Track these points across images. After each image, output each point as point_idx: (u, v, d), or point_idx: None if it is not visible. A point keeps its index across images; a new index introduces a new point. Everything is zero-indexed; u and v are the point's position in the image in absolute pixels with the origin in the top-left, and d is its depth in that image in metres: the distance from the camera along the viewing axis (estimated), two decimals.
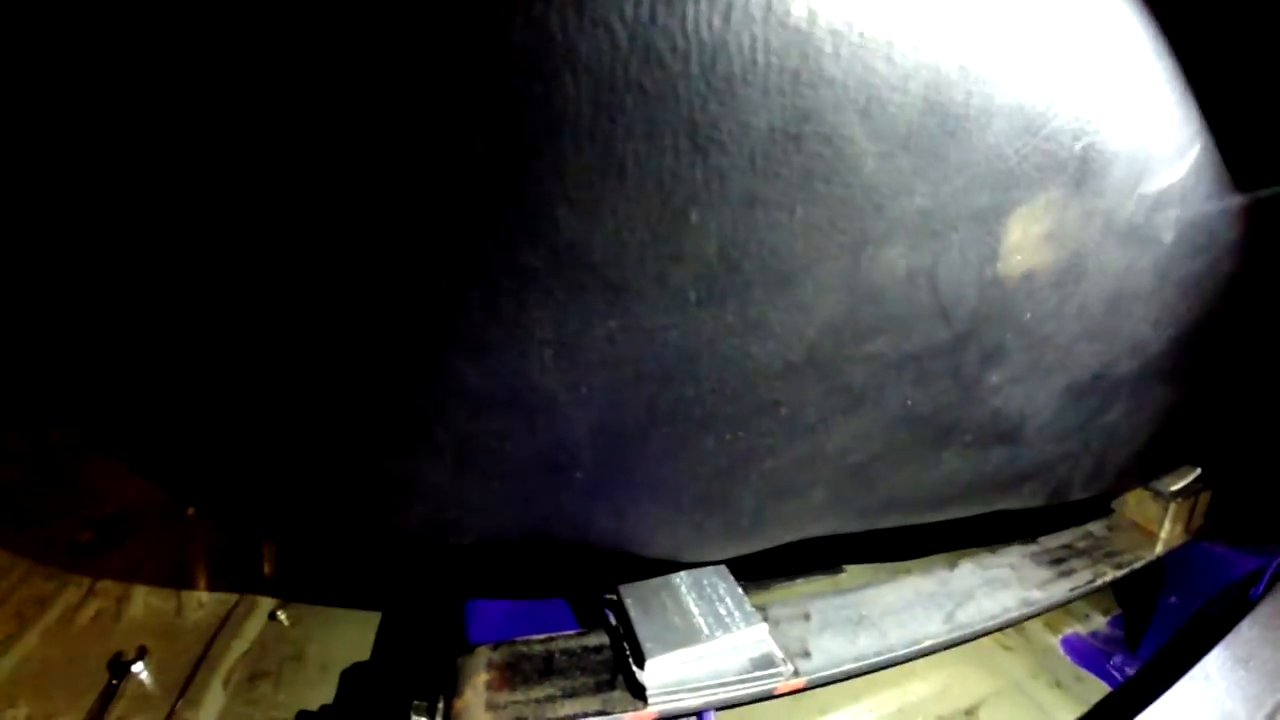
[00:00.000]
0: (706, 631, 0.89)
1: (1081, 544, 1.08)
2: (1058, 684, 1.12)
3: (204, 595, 1.13)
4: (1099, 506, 1.19)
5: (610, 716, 0.84)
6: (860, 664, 0.92)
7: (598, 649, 0.92)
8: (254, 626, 1.10)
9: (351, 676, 1.00)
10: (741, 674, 0.88)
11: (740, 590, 0.94)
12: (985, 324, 0.70)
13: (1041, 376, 0.81)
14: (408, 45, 0.46)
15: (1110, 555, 1.07)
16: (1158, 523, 1.09)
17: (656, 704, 0.85)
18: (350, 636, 1.10)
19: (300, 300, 0.58)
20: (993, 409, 0.80)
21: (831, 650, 0.94)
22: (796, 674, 0.90)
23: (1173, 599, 1.11)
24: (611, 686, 0.87)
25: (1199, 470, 1.11)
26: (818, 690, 1.12)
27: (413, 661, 1.02)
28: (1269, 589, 0.97)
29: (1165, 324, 0.88)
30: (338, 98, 0.48)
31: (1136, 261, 0.79)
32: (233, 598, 1.13)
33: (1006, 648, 1.17)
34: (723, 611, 0.92)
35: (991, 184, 0.59)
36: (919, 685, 1.12)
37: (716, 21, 0.45)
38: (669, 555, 0.83)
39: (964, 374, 0.74)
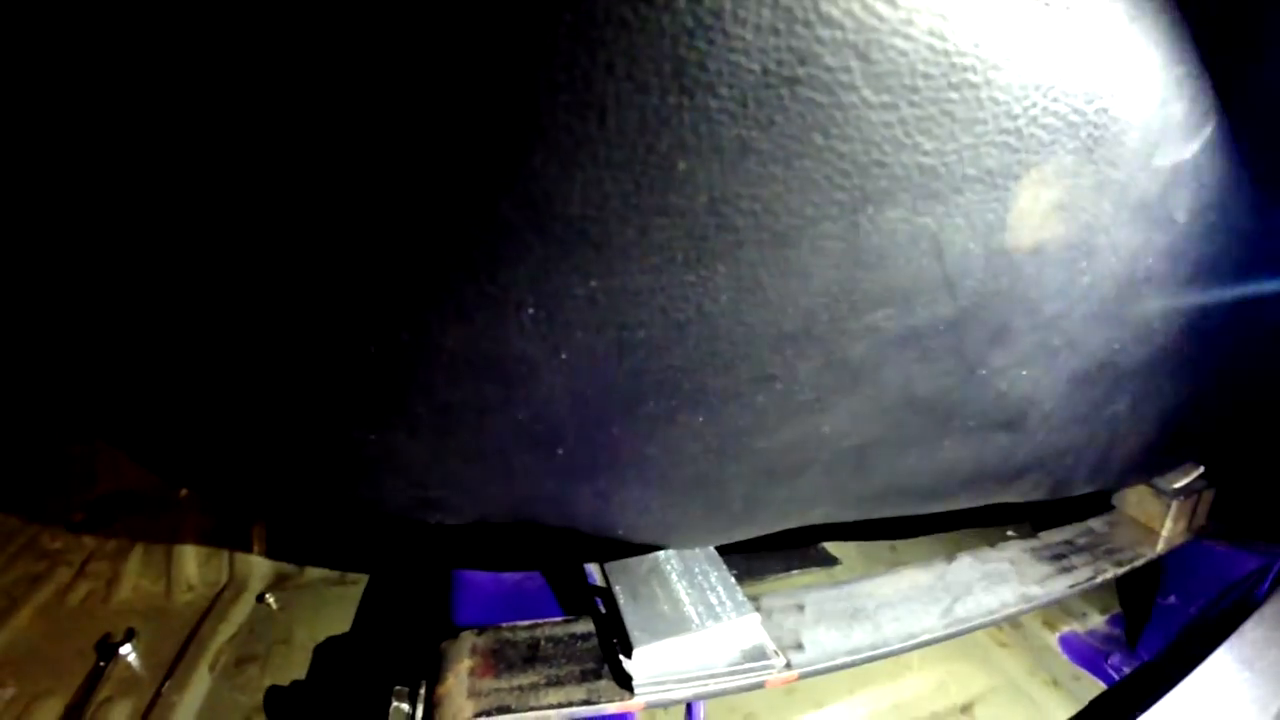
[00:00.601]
0: (697, 621, 0.85)
1: (1082, 540, 1.05)
2: (1054, 682, 1.09)
3: (193, 578, 1.10)
4: (1100, 502, 1.15)
5: (595, 706, 0.81)
6: (854, 657, 0.89)
7: (585, 636, 0.89)
8: (242, 610, 1.08)
9: (327, 651, 0.97)
10: (732, 665, 0.84)
11: (732, 578, 0.91)
12: (991, 299, 0.67)
13: (1047, 360, 0.78)
14: None
15: (1111, 552, 1.03)
16: (1159, 520, 1.05)
17: (644, 694, 0.81)
18: (338, 620, 1.07)
19: (274, 268, 0.55)
20: (996, 393, 0.77)
21: (825, 643, 0.90)
22: (789, 666, 0.87)
23: (1172, 598, 1.07)
24: (598, 676, 0.84)
25: (1202, 468, 1.08)
26: (812, 684, 1.09)
27: (393, 639, 0.99)
28: (1274, 589, 0.93)
29: (1175, 312, 0.85)
30: (298, 46, 0.44)
31: (1149, 241, 0.76)
32: (221, 581, 1.11)
33: (1003, 645, 1.13)
34: (714, 600, 0.88)
35: (999, 144, 0.56)
36: (915, 681, 1.09)
37: None
38: (657, 540, 0.80)
39: (968, 353, 0.70)
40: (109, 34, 0.45)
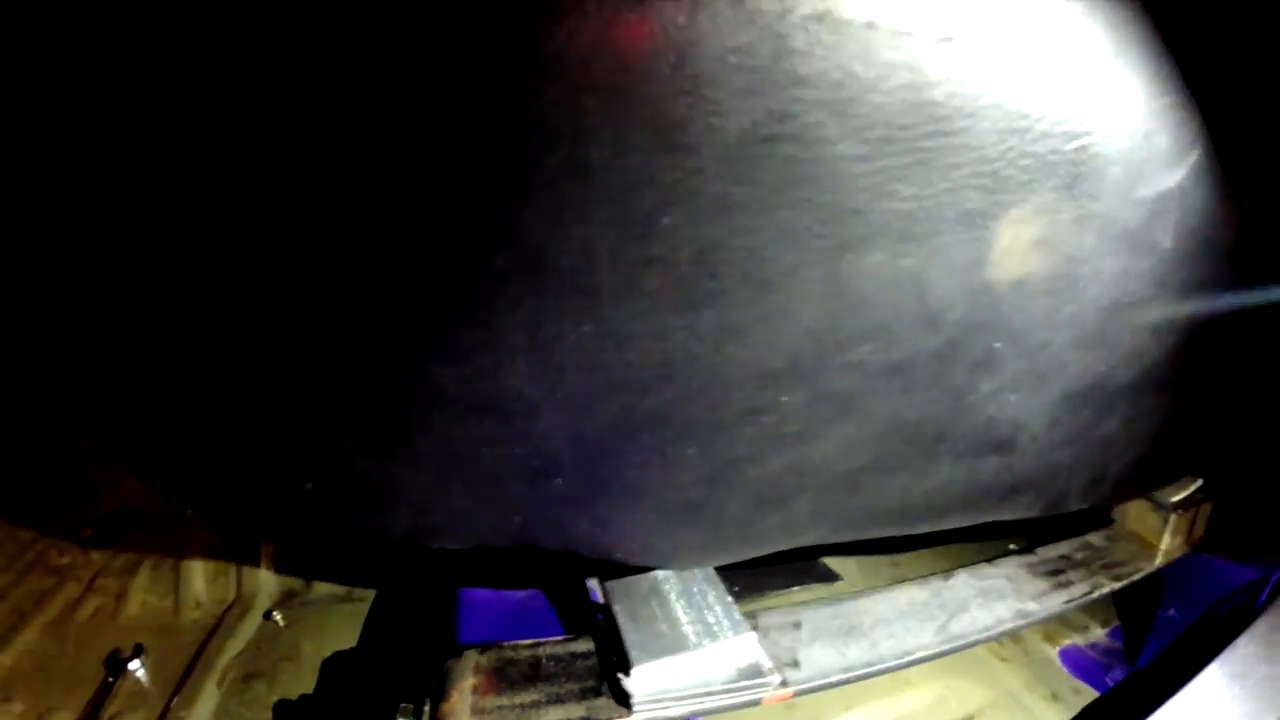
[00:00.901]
0: (694, 640, 0.87)
1: (1080, 555, 1.06)
2: (1054, 696, 1.09)
3: (201, 594, 1.14)
4: (1099, 516, 1.16)
5: None
6: (849, 675, 0.90)
7: (585, 655, 0.91)
8: (249, 626, 1.11)
9: (333, 666, 1.00)
10: (728, 683, 0.86)
11: (730, 598, 0.93)
12: (975, 331, 0.68)
13: (1035, 385, 0.79)
14: (372, 50, 0.46)
15: (1109, 567, 1.04)
16: (1158, 534, 1.06)
17: (641, 712, 0.83)
18: (344, 637, 1.10)
19: (284, 310, 0.58)
20: (985, 418, 0.78)
21: (821, 660, 0.92)
22: (784, 684, 0.88)
23: (1172, 611, 1.08)
24: (597, 693, 0.86)
25: (1200, 481, 1.09)
26: (812, 699, 1.10)
27: (399, 655, 1.02)
28: (1269, 602, 0.94)
29: (1165, 332, 0.86)
30: (303, 111, 0.47)
31: (1134, 268, 0.77)
32: (229, 597, 1.14)
33: (1003, 659, 1.15)
34: (711, 620, 0.90)
35: (977, 187, 0.58)
36: (914, 695, 1.10)
37: (682, 19, 0.44)
38: (654, 563, 0.82)
39: (954, 382, 0.72)
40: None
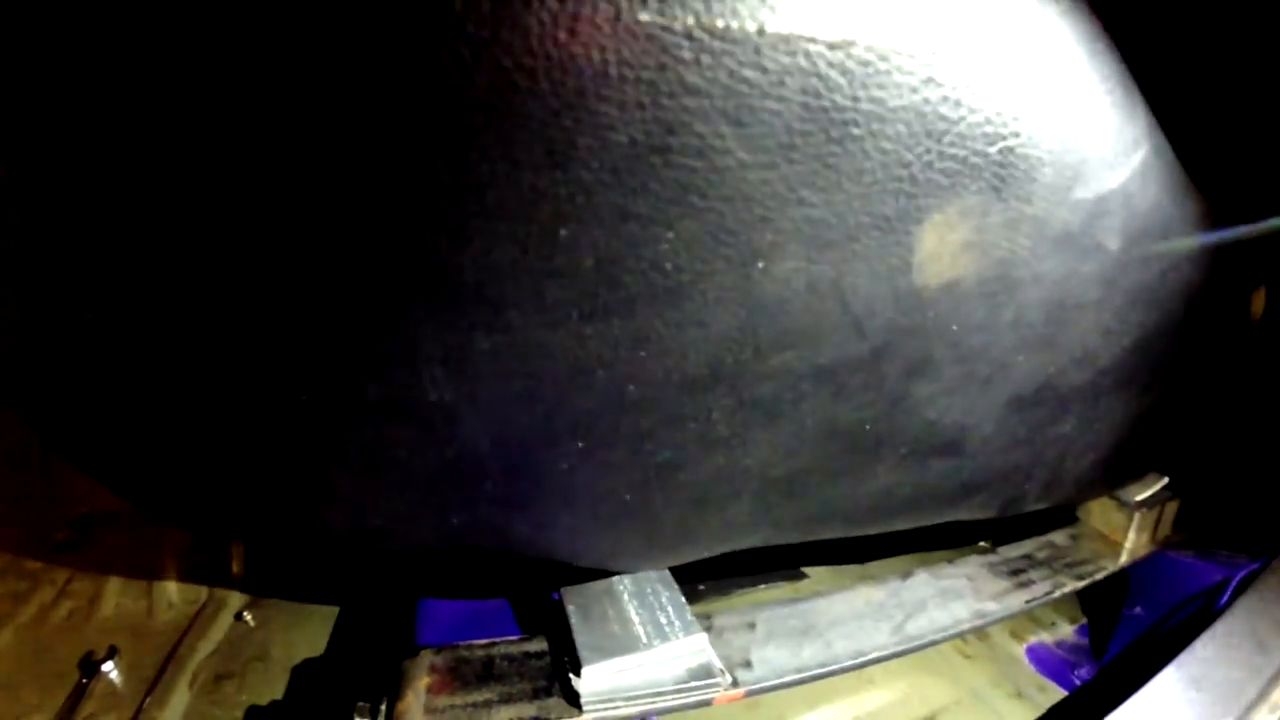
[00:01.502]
0: (645, 640, 0.88)
1: (1042, 554, 1.05)
2: (1019, 694, 1.09)
3: (174, 595, 1.16)
4: (1064, 515, 1.15)
5: None
6: (802, 675, 0.91)
7: (538, 655, 0.92)
8: (221, 627, 1.13)
9: (304, 673, 1.02)
10: (678, 683, 0.87)
11: (683, 599, 0.93)
12: (906, 336, 0.68)
13: (979, 388, 0.79)
14: (276, 73, 0.46)
15: (1071, 566, 1.03)
16: (1122, 532, 1.05)
17: (592, 712, 0.84)
18: (314, 637, 1.12)
19: (213, 319, 0.59)
20: (927, 421, 0.78)
21: (774, 661, 0.92)
22: (735, 684, 0.89)
23: (1138, 609, 1.07)
24: (549, 693, 0.87)
25: (1166, 480, 1.07)
26: (774, 698, 1.11)
27: (364, 660, 1.04)
28: (1231, 603, 0.93)
29: (1117, 334, 0.85)
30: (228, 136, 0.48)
31: (1078, 270, 0.76)
32: (201, 599, 1.16)
33: (968, 656, 1.14)
34: (663, 620, 0.91)
35: (894, 191, 0.57)
36: (877, 694, 1.10)
37: (562, 35, 0.43)
38: (597, 564, 0.82)
39: (888, 387, 0.71)
40: None
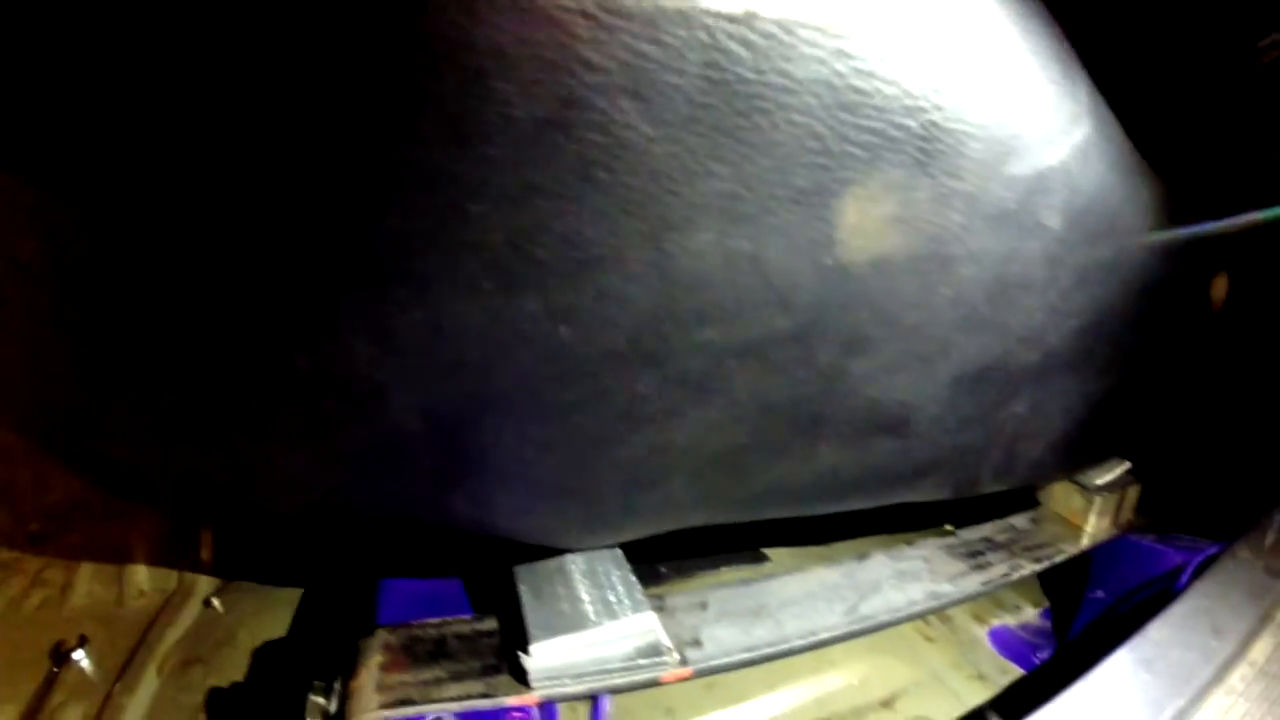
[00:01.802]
0: (593, 618, 0.89)
1: (1001, 537, 1.05)
2: (980, 676, 1.09)
3: (144, 583, 1.18)
4: (1028, 498, 1.15)
5: (493, 700, 0.85)
6: (751, 654, 0.91)
7: (490, 633, 0.93)
8: (190, 613, 1.15)
9: (266, 654, 1.04)
10: (626, 661, 0.88)
11: (633, 577, 0.94)
12: (835, 312, 0.68)
13: (921, 367, 0.79)
14: (188, 56, 0.47)
15: (1031, 549, 1.03)
16: (1083, 516, 1.04)
17: (540, 689, 0.85)
18: (280, 621, 1.14)
19: (147, 302, 0.60)
20: (868, 399, 0.78)
21: (724, 640, 0.93)
22: (684, 663, 0.90)
23: (1100, 592, 1.06)
24: (498, 671, 0.88)
25: (1128, 464, 1.07)
26: (733, 678, 1.11)
27: (324, 641, 1.05)
28: (1188, 585, 0.93)
29: (1067, 314, 0.84)
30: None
31: (1020, 249, 0.75)
32: (171, 586, 1.18)
33: (929, 639, 1.14)
34: (612, 599, 0.92)
35: (808, 164, 0.57)
36: (836, 675, 1.11)
37: (460, 16, 0.44)
38: (538, 541, 0.83)
39: (822, 363, 0.72)
40: None
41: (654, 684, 0.89)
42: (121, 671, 1.02)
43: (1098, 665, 0.87)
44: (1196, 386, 1.00)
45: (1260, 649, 0.91)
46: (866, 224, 0.64)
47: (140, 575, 1.16)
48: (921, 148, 0.62)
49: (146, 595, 1.14)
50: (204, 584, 1.17)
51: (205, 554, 1.18)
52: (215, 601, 1.14)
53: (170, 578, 1.17)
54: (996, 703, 0.99)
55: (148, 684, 1.01)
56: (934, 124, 0.62)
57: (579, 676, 0.86)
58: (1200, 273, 1.01)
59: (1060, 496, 1.09)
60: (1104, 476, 1.06)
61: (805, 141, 0.56)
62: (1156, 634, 0.89)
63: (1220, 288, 1.02)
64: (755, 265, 0.61)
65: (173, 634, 1.08)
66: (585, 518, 0.80)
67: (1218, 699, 0.85)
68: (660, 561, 1.19)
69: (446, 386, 0.63)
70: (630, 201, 0.53)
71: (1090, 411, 0.97)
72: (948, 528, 1.27)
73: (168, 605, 1.12)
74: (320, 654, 1.03)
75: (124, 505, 1.22)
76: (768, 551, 1.23)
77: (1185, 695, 0.84)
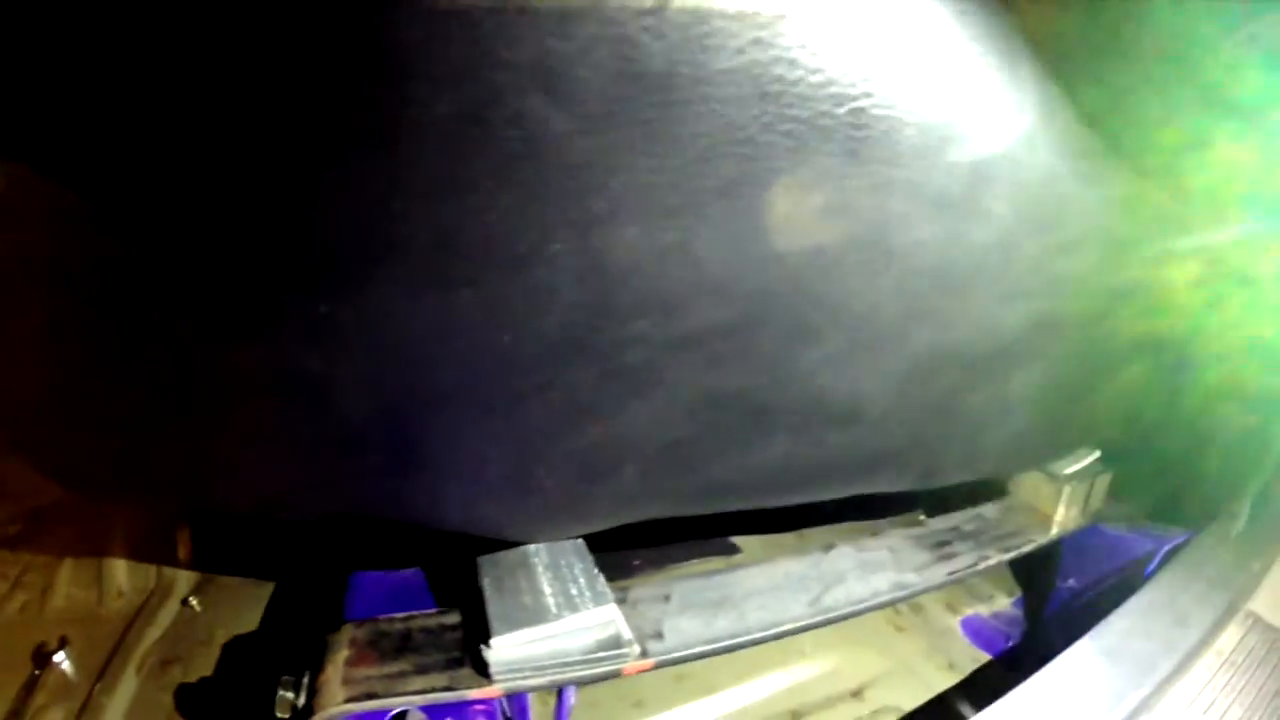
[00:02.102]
0: (555, 611, 0.90)
1: (969, 526, 1.05)
2: (951, 665, 1.09)
3: (124, 584, 1.20)
4: (998, 488, 1.14)
5: (456, 692, 0.86)
6: (713, 646, 0.92)
7: (454, 627, 0.95)
8: (169, 612, 1.16)
9: (237, 650, 1.05)
10: (587, 654, 0.89)
11: (595, 570, 0.95)
12: (776, 302, 0.68)
13: (870, 357, 0.79)
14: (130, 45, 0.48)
15: (999, 538, 1.03)
16: (1052, 505, 1.04)
17: (501, 682, 0.86)
18: (256, 619, 1.16)
19: (88, 294, 0.62)
20: (816, 389, 0.78)
21: (686, 632, 0.94)
22: (645, 655, 0.90)
23: (1071, 581, 1.06)
24: (460, 664, 0.89)
25: (1097, 453, 1.06)
26: (703, 669, 1.12)
27: (295, 635, 1.07)
28: (1155, 574, 0.92)
29: (1021, 302, 0.84)
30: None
31: (967, 237, 0.75)
32: (150, 586, 1.20)
33: (900, 629, 1.14)
34: (574, 591, 0.93)
35: (732, 155, 0.58)
36: (807, 666, 1.11)
37: (370, 17, 0.45)
38: (498, 534, 0.84)
39: (765, 354, 0.72)
40: None
41: (615, 676, 0.90)
42: (102, 672, 1.04)
43: (1059, 655, 0.87)
44: (1156, 373, 1.00)
45: (1227, 639, 0.90)
46: (800, 213, 0.64)
47: (119, 576, 1.18)
48: (851, 135, 0.62)
49: (125, 595, 1.16)
50: (183, 582, 1.19)
51: (183, 553, 1.20)
52: (193, 601, 1.16)
53: (149, 576, 1.19)
54: (960, 690, 0.99)
55: (127, 685, 1.03)
56: (862, 111, 0.62)
57: (540, 669, 0.87)
58: (1164, 259, 1.00)
59: (1029, 485, 1.08)
60: (1072, 465, 1.05)
61: (728, 132, 0.56)
62: (1119, 624, 0.89)
63: (1187, 274, 1.01)
64: (686, 257, 0.61)
65: (152, 634, 1.10)
66: (539, 510, 0.80)
67: (1181, 689, 0.85)
68: (631, 552, 1.20)
69: (390, 382, 0.64)
70: (552, 197, 0.54)
71: (1053, 401, 0.97)
72: (920, 517, 1.27)
73: (146, 605, 1.14)
74: (289, 648, 1.05)
75: (102, 505, 1.24)
76: (739, 541, 1.24)
77: (1147, 686, 0.84)
